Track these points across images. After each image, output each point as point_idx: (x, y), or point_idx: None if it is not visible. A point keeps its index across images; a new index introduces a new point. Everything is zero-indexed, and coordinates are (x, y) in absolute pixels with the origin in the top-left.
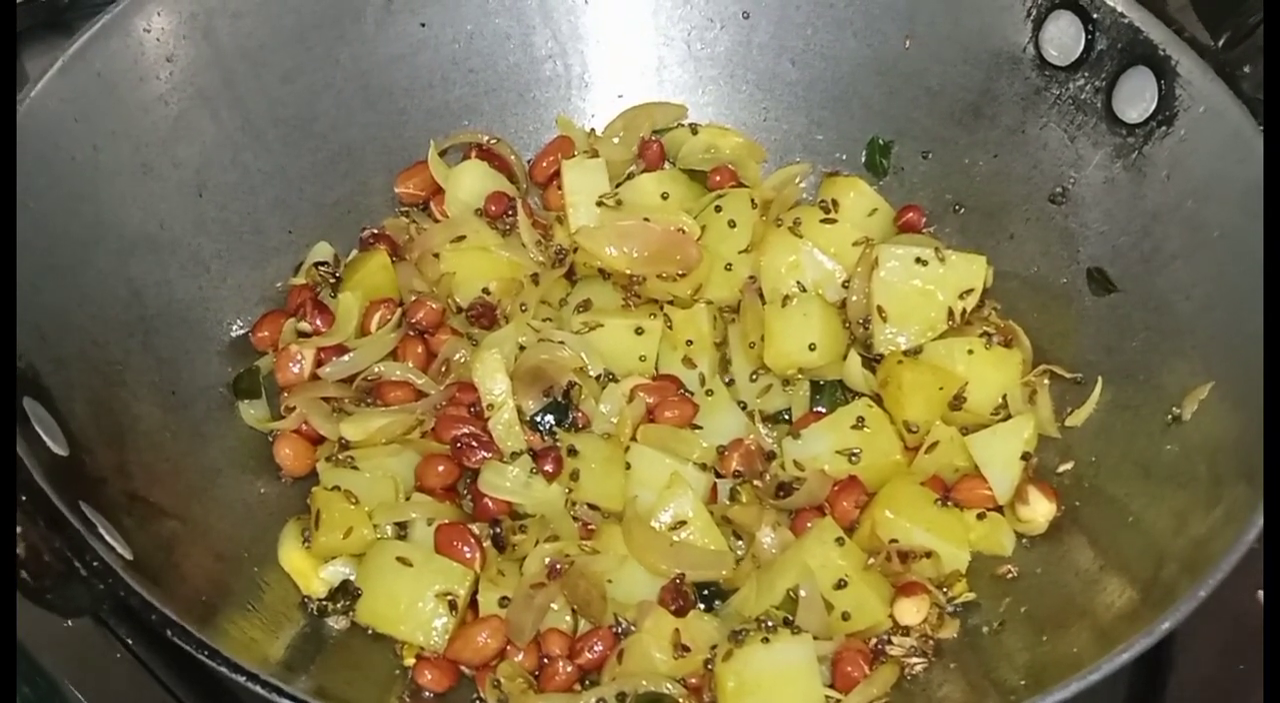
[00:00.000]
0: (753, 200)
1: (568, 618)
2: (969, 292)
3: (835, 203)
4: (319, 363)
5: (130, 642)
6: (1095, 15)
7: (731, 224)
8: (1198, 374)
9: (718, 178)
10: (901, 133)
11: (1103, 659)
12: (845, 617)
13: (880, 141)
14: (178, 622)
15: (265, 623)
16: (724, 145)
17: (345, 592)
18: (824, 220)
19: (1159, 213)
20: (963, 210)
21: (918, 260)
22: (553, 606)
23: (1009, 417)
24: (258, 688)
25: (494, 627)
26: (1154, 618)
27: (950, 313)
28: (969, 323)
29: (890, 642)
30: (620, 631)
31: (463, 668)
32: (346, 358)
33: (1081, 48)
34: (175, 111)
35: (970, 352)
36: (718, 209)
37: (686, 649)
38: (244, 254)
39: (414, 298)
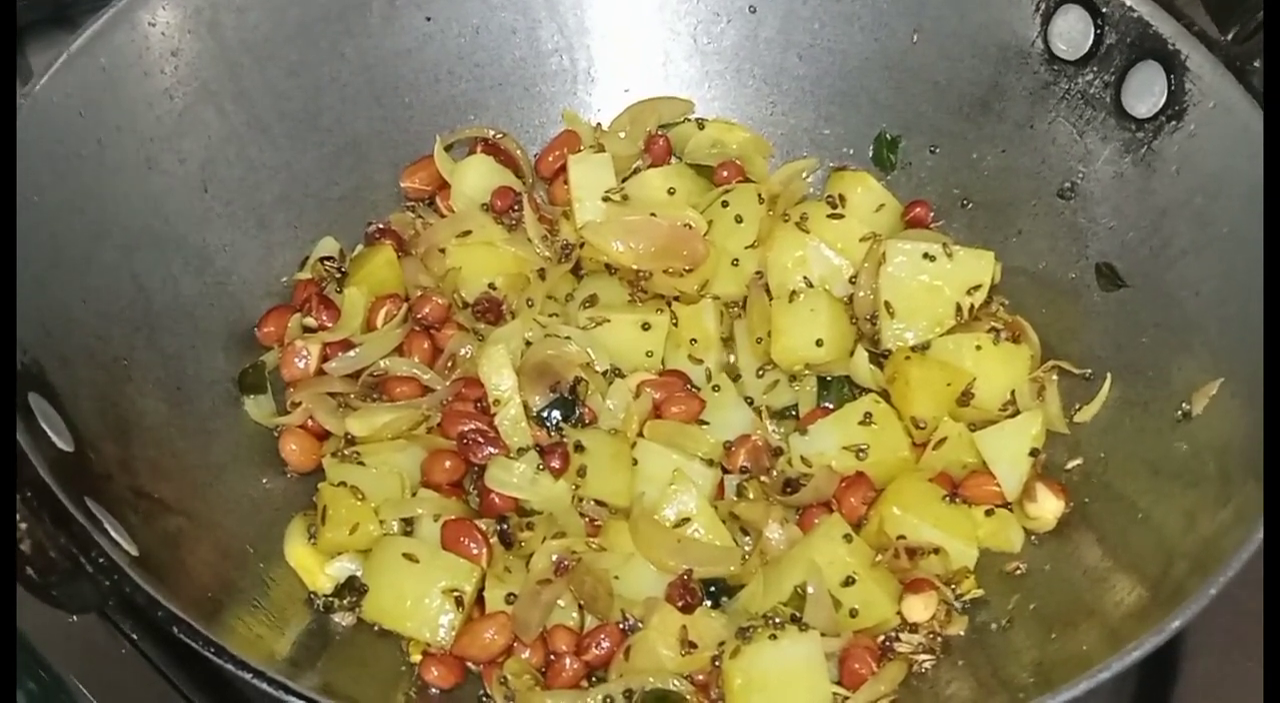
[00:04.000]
0: (760, 196)
1: (575, 615)
2: (977, 287)
3: (842, 198)
4: (325, 358)
5: (136, 638)
6: (1104, 9)
7: (738, 219)
8: (1207, 371)
9: (724, 173)
10: (909, 127)
11: (1112, 658)
12: (853, 614)
13: (888, 136)
14: (183, 618)
15: (271, 619)
16: (730, 140)
17: (351, 588)
18: (831, 215)
19: (1168, 208)
20: (970, 205)
21: (925, 256)
22: (560, 603)
23: (1017, 413)
24: (263, 685)
25: (500, 623)
26: (1164, 617)
27: (958, 308)
28: (977, 318)
29: (898, 639)
30: (627, 627)
31: (469, 665)
32: (352, 353)
33: (1090, 42)
34: (180, 106)
35: (978, 347)
36: (724, 204)
37: (694, 646)
38: (249, 249)
39: (419, 293)
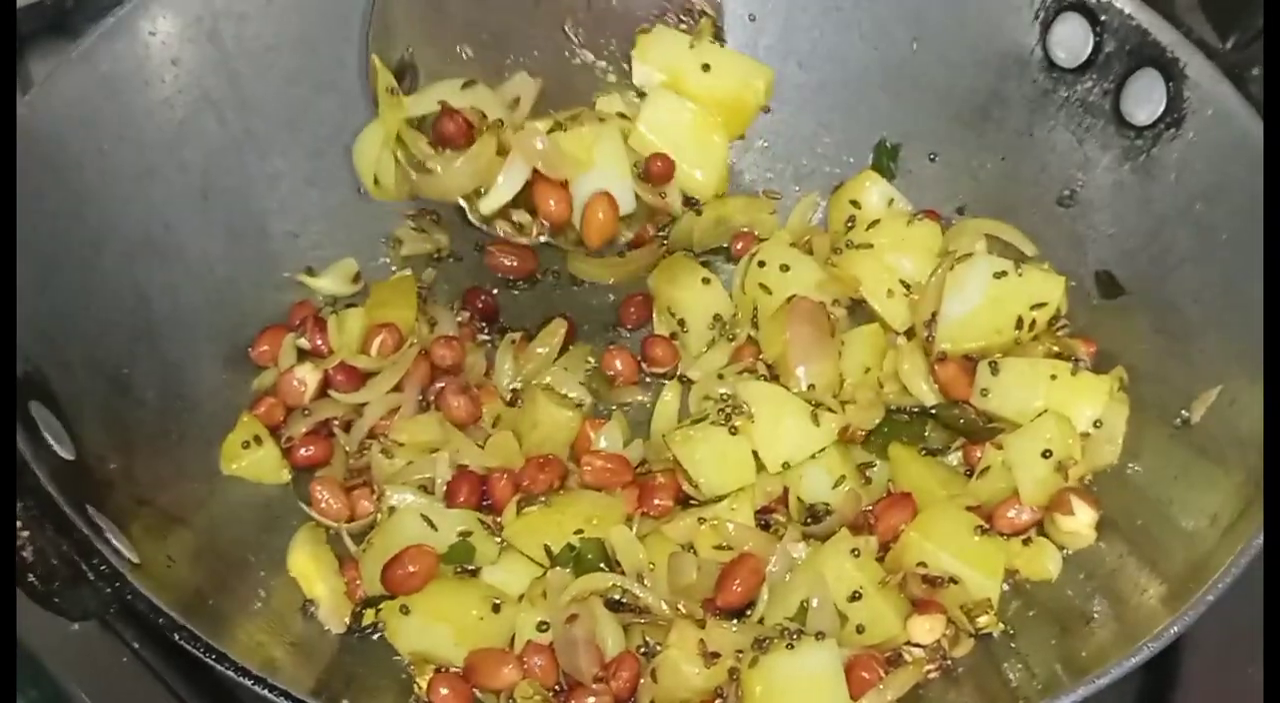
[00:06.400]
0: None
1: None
2: (1041, 305)
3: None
4: (326, 383)
5: (137, 645)
6: (1103, 17)
7: (784, 268)
8: (1206, 378)
9: (739, 245)
10: (909, 135)
11: (1111, 664)
12: (860, 630)
13: (888, 144)
14: (184, 625)
15: (271, 626)
16: (731, 212)
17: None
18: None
19: (1167, 215)
20: (970, 213)
21: (996, 274)
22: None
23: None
24: (264, 691)
25: (516, 661)
26: (1162, 623)
27: (1019, 322)
28: (1036, 338)
29: (904, 651)
30: (646, 651)
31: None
32: (363, 390)
33: (1090, 50)
34: (180, 115)
35: (1053, 377)
36: (760, 265)
37: (716, 657)
38: (249, 258)
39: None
